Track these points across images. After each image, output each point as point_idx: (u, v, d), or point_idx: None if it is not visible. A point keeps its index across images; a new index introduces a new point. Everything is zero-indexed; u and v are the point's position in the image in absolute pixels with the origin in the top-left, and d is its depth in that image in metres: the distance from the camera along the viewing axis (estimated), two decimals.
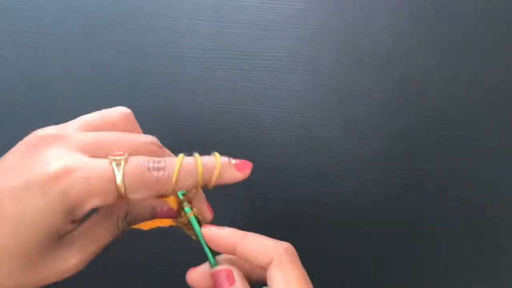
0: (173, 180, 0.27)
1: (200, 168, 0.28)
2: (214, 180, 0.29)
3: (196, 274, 0.30)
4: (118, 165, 0.26)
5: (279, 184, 0.43)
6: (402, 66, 0.44)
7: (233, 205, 0.42)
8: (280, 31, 0.44)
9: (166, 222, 0.33)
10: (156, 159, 0.27)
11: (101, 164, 0.26)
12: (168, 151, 0.31)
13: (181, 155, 0.28)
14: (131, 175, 0.26)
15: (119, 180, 0.25)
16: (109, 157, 0.26)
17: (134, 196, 0.26)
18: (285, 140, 0.43)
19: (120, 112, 0.30)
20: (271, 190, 0.43)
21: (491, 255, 0.44)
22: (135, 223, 0.30)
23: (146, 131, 0.31)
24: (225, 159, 0.29)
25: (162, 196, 0.28)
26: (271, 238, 0.29)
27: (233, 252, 0.29)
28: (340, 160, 0.43)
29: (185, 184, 0.28)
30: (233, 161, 0.30)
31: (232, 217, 0.42)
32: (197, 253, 0.42)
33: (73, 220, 0.26)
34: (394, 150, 0.43)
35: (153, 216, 0.30)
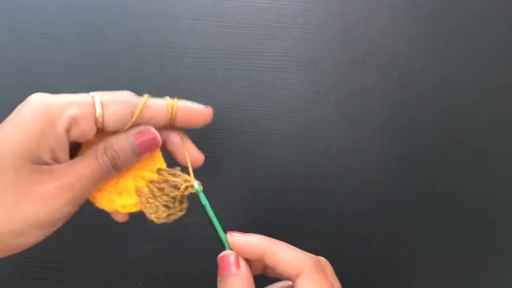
0: (143, 101, 0.30)
1: (169, 102, 0.31)
2: (181, 118, 0.31)
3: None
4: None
5: (279, 184, 0.43)
6: (402, 66, 0.44)
7: (234, 205, 0.42)
8: (280, 31, 0.44)
9: (128, 204, 0.32)
10: None
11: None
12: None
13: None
14: (106, 96, 0.30)
15: (97, 97, 0.29)
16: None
17: (112, 110, 0.29)
18: (285, 140, 0.43)
19: None
20: (271, 190, 0.43)
21: (491, 255, 0.44)
22: (118, 158, 0.30)
23: None
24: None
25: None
26: (299, 250, 0.29)
27: (260, 260, 0.29)
28: (340, 160, 0.43)
29: (155, 115, 0.31)
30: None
31: (234, 218, 0.42)
32: (198, 253, 0.43)
33: (55, 147, 0.28)
34: (394, 150, 0.43)
35: (134, 148, 0.30)
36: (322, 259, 0.31)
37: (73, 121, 0.28)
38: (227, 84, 0.43)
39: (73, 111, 0.28)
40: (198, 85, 0.43)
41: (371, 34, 0.44)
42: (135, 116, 0.30)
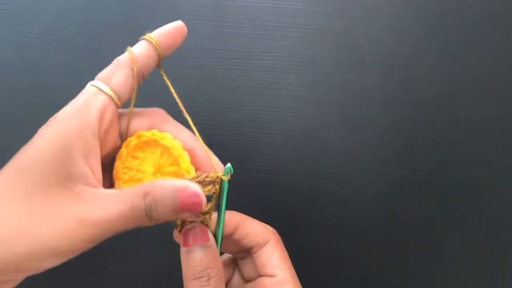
0: (131, 51, 0.30)
1: (148, 39, 0.30)
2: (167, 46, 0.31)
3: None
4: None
5: (279, 184, 0.43)
6: (402, 66, 0.44)
7: (233, 205, 0.42)
8: (280, 31, 0.44)
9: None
10: None
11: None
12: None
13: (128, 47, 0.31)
14: (102, 73, 0.30)
15: (97, 83, 0.29)
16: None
17: (116, 80, 0.29)
18: (285, 140, 0.43)
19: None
20: (271, 190, 0.43)
21: (491, 255, 0.44)
22: (156, 208, 0.27)
23: None
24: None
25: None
26: (261, 222, 0.33)
27: (233, 231, 0.31)
28: (340, 160, 0.43)
29: (146, 53, 0.30)
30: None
31: None
32: None
33: (86, 156, 0.27)
34: (394, 150, 0.43)
35: (176, 205, 0.27)
36: None
37: (100, 119, 0.28)
38: (227, 84, 0.43)
39: (94, 112, 0.28)
40: (198, 85, 0.43)
41: (371, 34, 0.44)
42: (135, 75, 0.30)
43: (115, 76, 0.29)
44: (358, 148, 0.43)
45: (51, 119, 0.28)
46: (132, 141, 0.30)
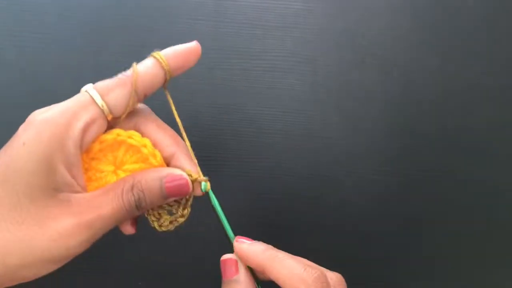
0: (135, 69, 0.28)
1: (156, 57, 0.29)
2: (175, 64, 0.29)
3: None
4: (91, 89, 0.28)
5: (279, 184, 0.43)
6: (402, 66, 0.44)
7: (234, 205, 0.42)
8: (280, 31, 0.44)
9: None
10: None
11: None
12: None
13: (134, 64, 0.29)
14: (102, 84, 0.28)
15: (93, 92, 0.27)
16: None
17: (113, 96, 0.27)
18: (285, 140, 0.43)
19: None
20: (271, 190, 0.43)
21: (491, 255, 0.44)
22: (144, 199, 0.28)
23: None
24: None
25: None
26: (302, 262, 0.28)
27: (262, 271, 0.29)
28: (340, 160, 0.43)
29: (152, 72, 0.28)
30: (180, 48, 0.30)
31: (234, 218, 0.42)
32: (197, 253, 0.43)
33: (68, 165, 0.26)
34: (394, 150, 0.43)
35: (163, 191, 0.28)
36: (334, 275, 0.29)
37: (84, 131, 0.27)
38: (227, 84, 0.43)
39: (81, 122, 0.27)
40: (198, 85, 0.43)
41: (371, 34, 0.44)
42: (132, 93, 0.28)
43: (115, 91, 0.28)
44: (358, 148, 0.43)
45: (31, 118, 0.27)
46: (94, 147, 0.29)
